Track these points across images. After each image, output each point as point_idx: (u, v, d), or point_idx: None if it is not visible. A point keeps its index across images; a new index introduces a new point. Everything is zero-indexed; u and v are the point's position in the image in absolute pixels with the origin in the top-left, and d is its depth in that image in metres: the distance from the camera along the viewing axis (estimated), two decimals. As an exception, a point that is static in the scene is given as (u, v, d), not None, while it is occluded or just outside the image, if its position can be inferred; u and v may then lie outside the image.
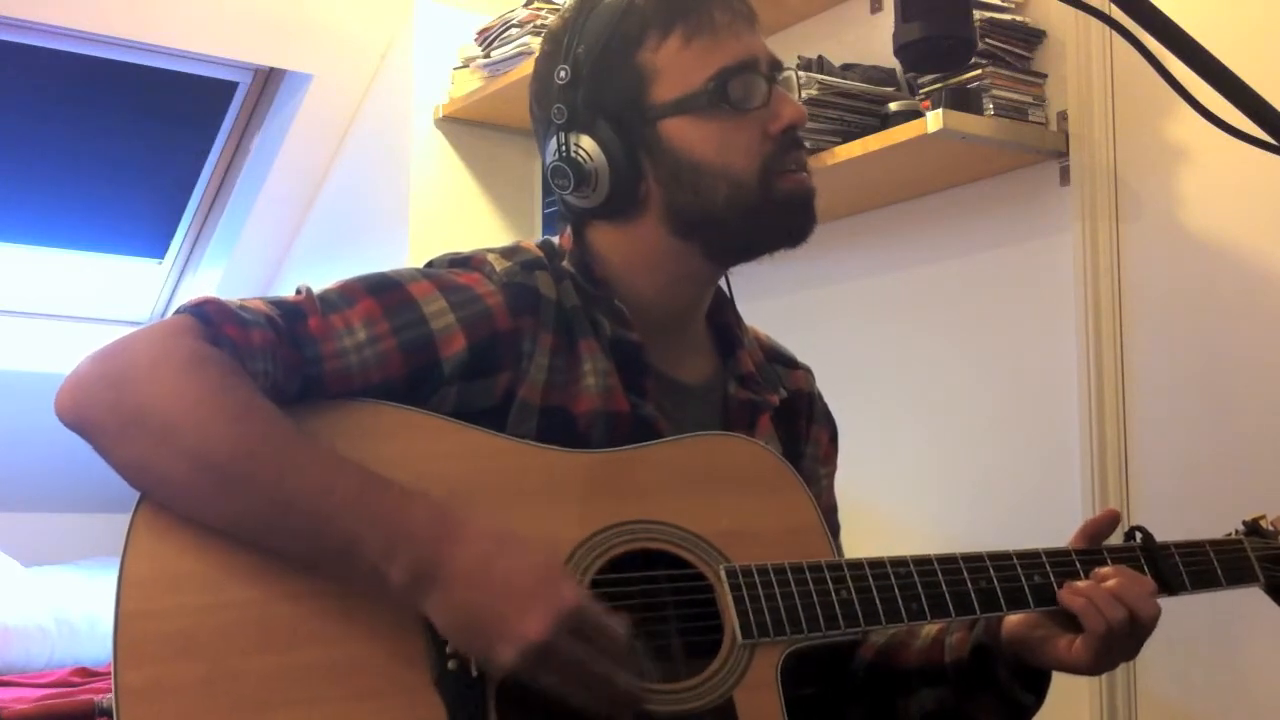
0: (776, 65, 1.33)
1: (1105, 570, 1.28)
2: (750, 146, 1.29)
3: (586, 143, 1.29)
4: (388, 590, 1.09)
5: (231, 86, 3.52)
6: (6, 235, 3.55)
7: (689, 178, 1.29)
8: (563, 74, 1.30)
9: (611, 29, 1.30)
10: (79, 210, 3.62)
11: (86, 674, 2.85)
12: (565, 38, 1.32)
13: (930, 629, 1.38)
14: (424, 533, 1.09)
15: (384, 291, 1.23)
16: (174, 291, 3.86)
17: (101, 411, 1.11)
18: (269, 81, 3.53)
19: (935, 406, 2.55)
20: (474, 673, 1.11)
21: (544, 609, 1.06)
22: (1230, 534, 1.43)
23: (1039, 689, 1.33)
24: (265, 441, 1.10)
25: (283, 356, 1.16)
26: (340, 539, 1.09)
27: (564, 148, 1.30)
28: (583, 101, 1.30)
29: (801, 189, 1.31)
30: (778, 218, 1.31)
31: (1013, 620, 1.31)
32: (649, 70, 1.29)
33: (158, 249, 3.79)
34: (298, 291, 1.23)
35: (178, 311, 1.17)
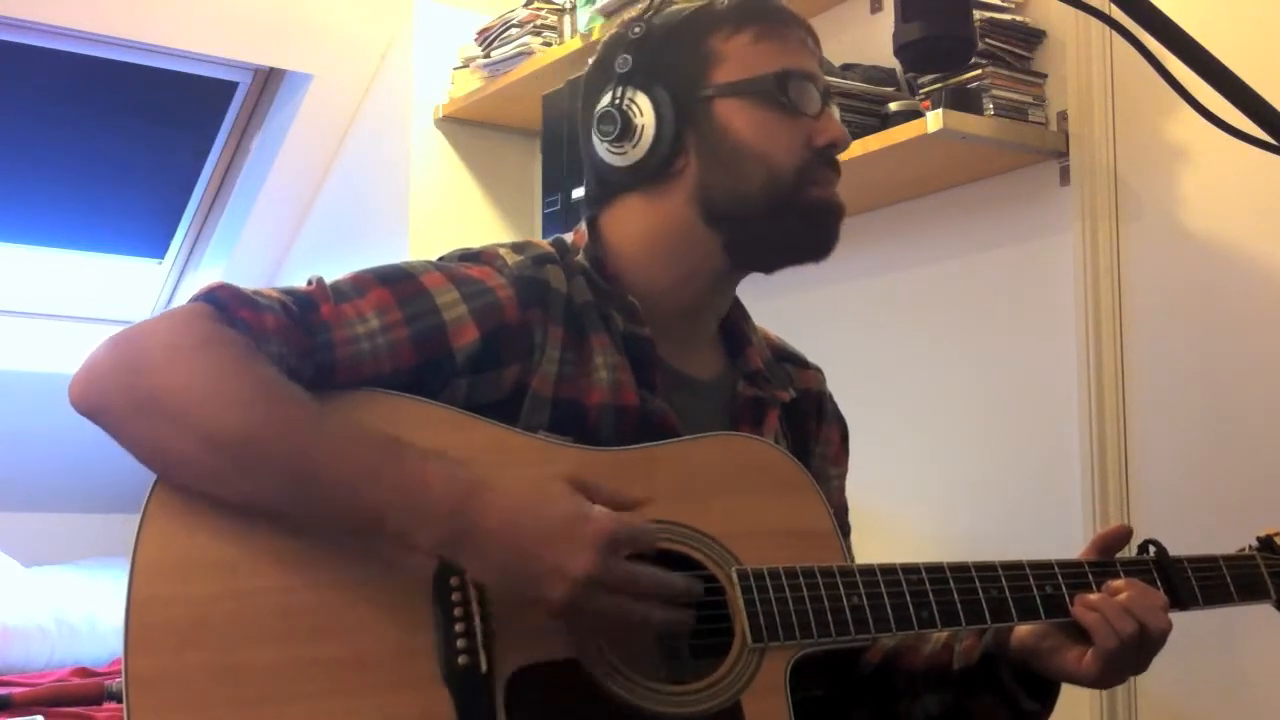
0: (830, 92, 1.36)
1: (1117, 584, 1.28)
2: (792, 147, 1.31)
3: (641, 99, 1.32)
4: (417, 553, 1.11)
5: (231, 86, 3.52)
6: (6, 235, 3.55)
7: (729, 157, 1.31)
8: (637, 29, 1.34)
9: (689, 13, 1.35)
10: (79, 210, 3.62)
11: (86, 674, 2.85)
12: (645, 9, 1.36)
13: (940, 635, 1.38)
14: (449, 497, 1.10)
15: (396, 281, 1.24)
16: (174, 291, 3.86)
17: (117, 396, 1.12)
18: (269, 81, 3.53)
19: (935, 406, 2.55)
20: (483, 668, 1.11)
21: (585, 542, 1.08)
22: (1243, 549, 1.43)
23: (1044, 697, 1.33)
24: (284, 416, 1.11)
25: (295, 342, 1.17)
26: (365, 508, 1.09)
27: (619, 98, 1.33)
28: (647, 62, 1.33)
29: (833, 202, 1.34)
30: (805, 223, 1.33)
31: (1023, 629, 1.31)
32: (716, 53, 1.33)
33: (158, 249, 3.79)
34: (309, 282, 1.24)
35: (191, 299, 1.17)
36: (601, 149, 1.34)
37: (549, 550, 1.08)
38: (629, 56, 1.33)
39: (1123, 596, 1.26)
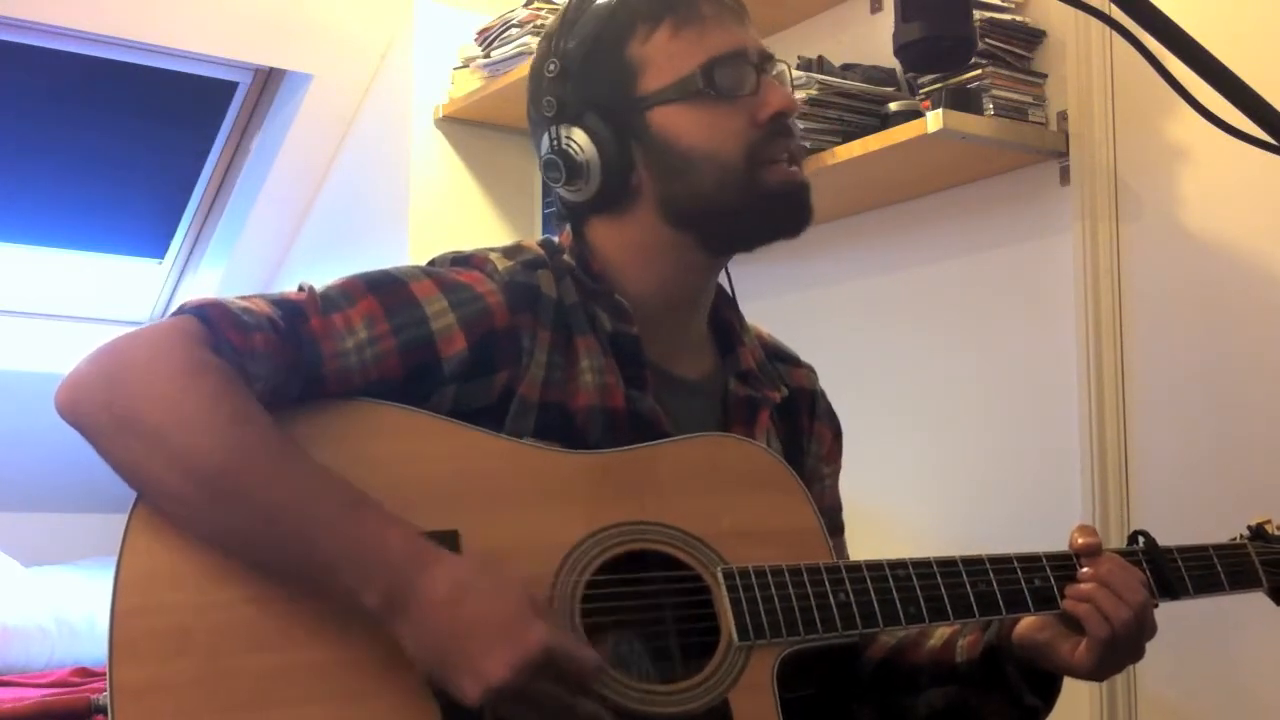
0: (767, 57, 1.34)
1: (1099, 559, 1.28)
2: (738, 132, 1.29)
3: (577, 135, 1.30)
4: (362, 611, 1.09)
5: (231, 86, 3.52)
6: (6, 235, 3.54)
7: (679, 165, 1.29)
8: (551, 67, 1.32)
9: (600, 24, 1.31)
10: (79, 210, 3.61)
11: (86, 674, 2.85)
12: (556, 36, 1.33)
13: (943, 631, 1.38)
14: (399, 561, 1.09)
15: (386, 290, 1.23)
16: (174, 291, 3.86)
17: (97, 410, 1.11)
18: (269, 81, 3.52)
19: (935, 406, 2.55)
20: None
21: (509, 651, 1.05)
22: (1234, 538, 1.43)
23: (1047, 693, 1.33)
24: (252, 456, 1.10)
25: (284, 358, 1.16)
26: (318, 560, 1.09)
27: (555, 140, 1.31)
28: (572, 94, 1.31)
29: (791, 182, 1.32)
30: (767, 209, 1.31)
31: (1024, 622, 1.30)
32: (637, 62, 1.30)
33: (158, 249, 3.78)
34: (300, 289, 1.23)
35: (181, 311, 1.17)
36: (557, 190, 1.34)
37: (477, 644, 1.06)
38: (552, 99, 1.31)
39: (1107, 574, 1.26)
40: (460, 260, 1.31)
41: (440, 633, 1.07)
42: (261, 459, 1.11)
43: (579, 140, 1.30)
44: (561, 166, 1.31)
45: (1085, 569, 1.28)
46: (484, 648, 1.06)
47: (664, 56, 1.29)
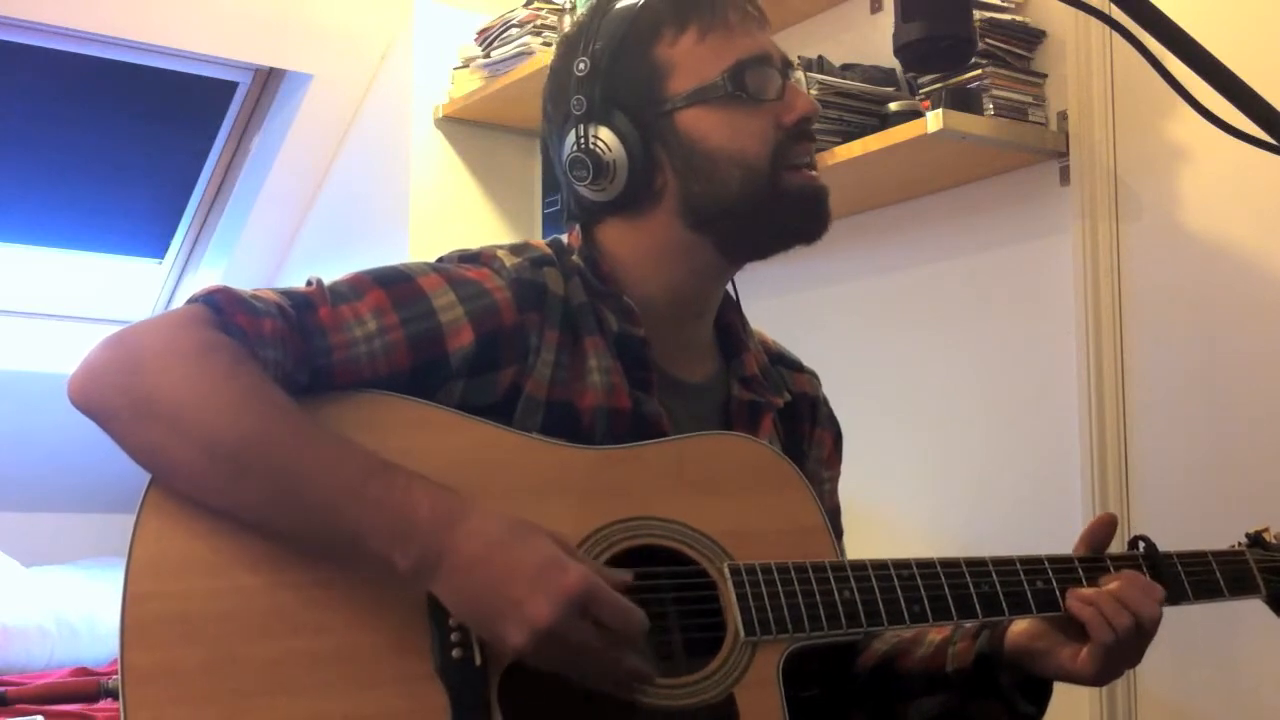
0: (788, 63, 1.35)
1: (1109, 576, 1.29)
2: (763, 134, 1.30)
3: (605, 134, 1.31)
4: (394, 575, 1.10)
5: (231, 86, 3.52)
6: (6, 235, 3.55)
7: (703, 165, 1.30)
8: (581, 66, 1.32)
9: (627, 26, 1.32)
10: (79, 210, 3.62)
11: (86, 674, 2.85)
12: (581, 37, 1.34)
13: (933, 637, 1.38)
14: (429, 520, 1.10)
15: (394, 284, 1.24)
16: (174, 291, 3.86)
17: (113, 397, 1.12)
18: (269, 81, 3.53)
19: (935, 406, 2.56)
20: (477, 661, 1.12)
21: (551, 593, 1.07)
22: (1233, 546, 1.44)
23: (1040, 699, 1.33)
24: (273, 428, 1.11)
25: (292, 346, 1.17)
26: (346, 527, 1.10)
27: (583, 139, 1.32)
28: (600, 95, 1.31)
29: (811, 186, 1.33)
30: (788, 212, 1.32)
31: (1016, 630, 1.31)
32: (665, 64, 1.31)
33: (158, 249, 3.79)
34: (308, 283, 1.24)
35: (189, 301, 1.18)
36: (580, 189, 1.34)
37: (516, 590, 1.07)
38: (581, 98, 1.32)
39: (1114, 587, 1.27)
40: (468, 258, 1.31)
41: (477, 587, 1.08)
42: (281, 431, 1.12)
43: (606, 139, 1.31)
44: (588, 165, 1.31)
45: (1106, 584, 1.28)
46: (524, 592, 1.07)
47: (691, 60, 1.31)
